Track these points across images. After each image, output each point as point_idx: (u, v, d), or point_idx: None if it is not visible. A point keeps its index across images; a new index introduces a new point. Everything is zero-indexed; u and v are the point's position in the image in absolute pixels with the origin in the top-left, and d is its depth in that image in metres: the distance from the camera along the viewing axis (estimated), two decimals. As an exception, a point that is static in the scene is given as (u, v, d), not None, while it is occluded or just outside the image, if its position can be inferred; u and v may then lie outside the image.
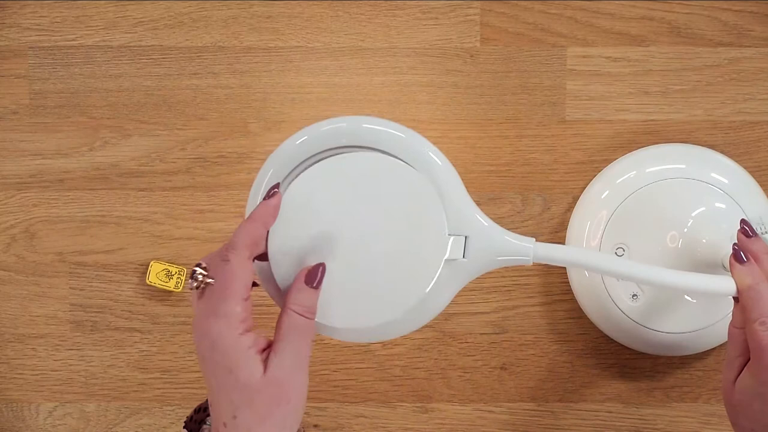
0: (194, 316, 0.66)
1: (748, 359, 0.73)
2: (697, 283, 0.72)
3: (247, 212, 0.70)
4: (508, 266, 0.72)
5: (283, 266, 0.69)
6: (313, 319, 0.67)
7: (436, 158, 0.70)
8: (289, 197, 0.69)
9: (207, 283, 0.66)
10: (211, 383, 0.66)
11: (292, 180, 0.69)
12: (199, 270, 0.66)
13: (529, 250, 0.70)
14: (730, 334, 0.75)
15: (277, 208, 0.68)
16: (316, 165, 0.69)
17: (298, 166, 0.70)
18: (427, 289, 0.69)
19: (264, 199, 0.68)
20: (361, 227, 0.69)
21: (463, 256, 0.70)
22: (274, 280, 0.69)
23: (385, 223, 0.69)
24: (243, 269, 0.66)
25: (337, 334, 0.71)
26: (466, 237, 0.70)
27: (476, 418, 0.91)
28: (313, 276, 0.67)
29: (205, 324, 0.65)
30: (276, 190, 0.68)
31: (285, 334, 0.66)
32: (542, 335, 0.91)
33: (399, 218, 0.69)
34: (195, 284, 0.66)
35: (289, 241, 0.69)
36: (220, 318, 0.65)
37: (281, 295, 0.69)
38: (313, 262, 0.68)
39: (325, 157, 0.70)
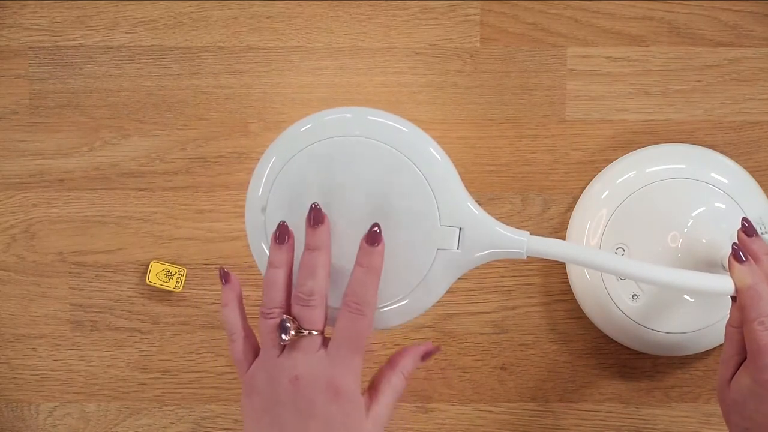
0: (285, 364, 0.68)
1: (745, 358, 0.73)
2: (694, 282, 0.72)
3: (248, 200, 0.71)
4: (502, 259, 0.72)
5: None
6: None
7: (436, 154, 0.70)
8: (282, 180, 0.70)
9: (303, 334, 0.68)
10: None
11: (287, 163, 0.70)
12: (289, 323, 0.68)
13: (522, 243, 0.70)
14: (726, 333, 0.75)
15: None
16: (308, 148, 0.70)
17: (300, 152, 0.70)
18: (420, 279, 0.70)
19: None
20: (353, 214, 0.69)
21: (457, 248, 0.70)
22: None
23: (378, 210, 0.69)
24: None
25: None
26: (460, 229, 0.70)
27: (476, 418, 0.91)
28: (429, 354, 0.72)
29: (329, 376, 0.67)
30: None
31: (388, 391, 0.70)
32: (542, 335, 0.91)
33: (391, 207, 0.69)
34: (287, 337, 0.68)
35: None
36: (350, 373, 0.68)
37: None
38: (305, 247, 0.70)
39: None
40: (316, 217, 0.68)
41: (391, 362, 0.71)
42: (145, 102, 0.90)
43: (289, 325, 0.67)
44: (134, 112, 0.90)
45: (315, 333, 0.68)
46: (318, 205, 0.68)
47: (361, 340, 0.68)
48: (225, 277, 0.71)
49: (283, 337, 0.67)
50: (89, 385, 0.91)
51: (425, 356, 0.72)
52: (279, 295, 0.69)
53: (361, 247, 0.68)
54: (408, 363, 0.71)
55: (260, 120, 0.90)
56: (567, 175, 0.90)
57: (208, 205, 0.90)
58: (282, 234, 0.69)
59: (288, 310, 0.69)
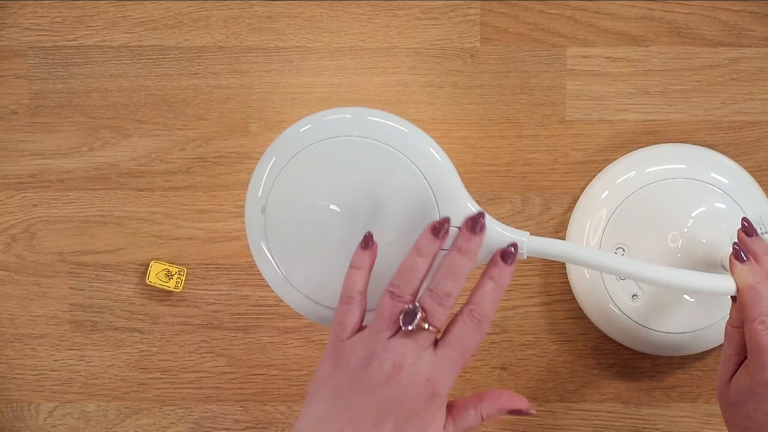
0: (399, 355, 0.66)
1: (744, 358, 0.73)
2: (694, 282, 0.72)
3: (248, 200, 0.71)
4: None
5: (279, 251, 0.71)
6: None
7: (436, 154, 0.70)
8: (282, 181, 0.70)
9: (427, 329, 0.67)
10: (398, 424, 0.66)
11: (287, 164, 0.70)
12: (420, 313, 0.66)
13: (523, 243, 0.70)
14: (726, 332, 0.75)
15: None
16: (308, 148, 0.70)
17: (299, 153, 0.70)
18: None
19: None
20: (354, 215, 0.69)
21: None
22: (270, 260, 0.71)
23: (378, 211, 0.69)
24: None
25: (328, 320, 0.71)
26: (460, 229, 0.70)
27: (476, 418, 0.91)
28: (519, 413, 0.70)
29: (431, 375, 0.66)
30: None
31: (460, 421, 0.69)
32: (542, 335, 0.91)
33: (391, 207, 0.69)
34: (411, 326, 0.66)
35: (284, 228, 0.70)
36: (450, 378, 0.67)
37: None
38: (306, 247, 0.69)
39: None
40: (474, 225, 0.68)
41: (479, 397, 0.70)
42: (145, 102, 0.90)
43: (419, 314, 0.66)
44: (134, 112, 0.90)
45: (434, 330, 0.66)
46: (483, 215, 0.68)
47: (471, 351, 0.67)
48: (368, 242, 0.69)
49: (408, 324, 0.66)
50: (89, 385, 0.91)
51: (514, 413, 0.70)
52: (415, 284, 0.67)
53: (495, 262, 0.68)
54: (491, 408, 0.69)
55: (260, 120, 0.90)
56: (567, 175, 0.90)
57: (208, 205, 0.90)
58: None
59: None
